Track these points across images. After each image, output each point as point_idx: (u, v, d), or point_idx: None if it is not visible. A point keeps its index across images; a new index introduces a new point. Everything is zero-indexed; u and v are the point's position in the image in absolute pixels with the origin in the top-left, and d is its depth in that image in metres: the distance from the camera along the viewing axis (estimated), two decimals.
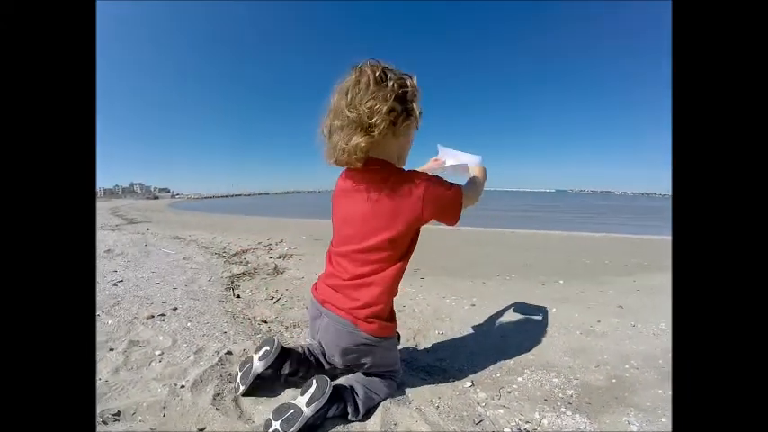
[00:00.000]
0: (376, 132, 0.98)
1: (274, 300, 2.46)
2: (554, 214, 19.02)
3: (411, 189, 1.03)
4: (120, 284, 2.62)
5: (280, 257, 4.02)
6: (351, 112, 0.98)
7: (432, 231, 8.10)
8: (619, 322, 2.31)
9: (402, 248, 1.11)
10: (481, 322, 2.26)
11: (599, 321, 2.31)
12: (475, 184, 1.24)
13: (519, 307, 2.53)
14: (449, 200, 1.09)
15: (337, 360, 1.22)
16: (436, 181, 1.08)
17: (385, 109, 0.96)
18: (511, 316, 2.39)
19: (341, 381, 1.24)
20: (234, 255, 4.09)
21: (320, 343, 1.24)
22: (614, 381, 1.63)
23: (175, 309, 2.16)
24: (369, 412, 1.19)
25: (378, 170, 1.08)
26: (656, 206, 41.47)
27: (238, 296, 2.48)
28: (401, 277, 1.16)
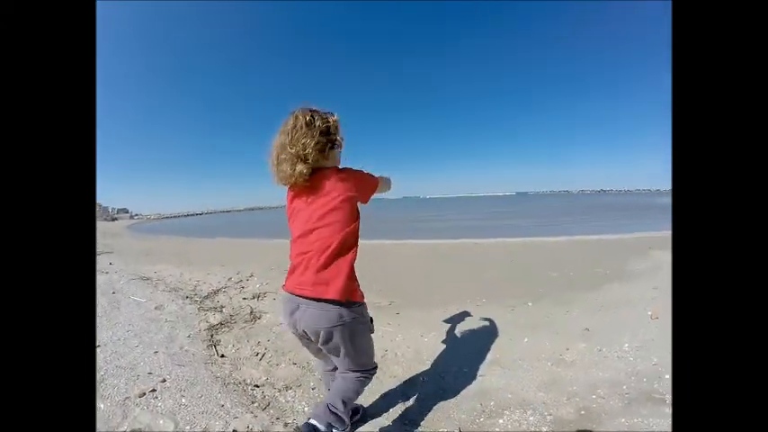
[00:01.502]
0: (311, 160, 1.32)
1: (259, 356, 2.50)
2: (516, 220, 19.42)
3: (346, 174, 1.40)
4: (98, 350, 2.54)
5: (253, 297, 4.03)
6: (291, 148, 1.32)
7: (400, 248, 8.23)
8: (585, 348, 2.52)
9: (347, 216, 1.36)
10: (461, 362, 2.40)
11: (567, 349, 2.51)
12: (386, 179, 1.66)
13: (493, 340, 2.69)
14: (369, 182, 1.51)
15: (322, 346, 1.40)
16: (363, 171, 1.49)
17: (313, 143, 1.31)
18: (486, 352, 2.53)
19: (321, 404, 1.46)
20: (206, 297, 4.05)
21: (304, 332, 1.39)
22: (583, 413, 1.81)
23: (164, 381, 2.14)
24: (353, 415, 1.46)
25: (319, 174, 1.38)
26: (610, 202, 43.65)
27: (222, 355, 2.50)
28: (357, 238, 1.41)
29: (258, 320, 3.28)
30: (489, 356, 2.46)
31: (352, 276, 1.35)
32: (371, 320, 1.47)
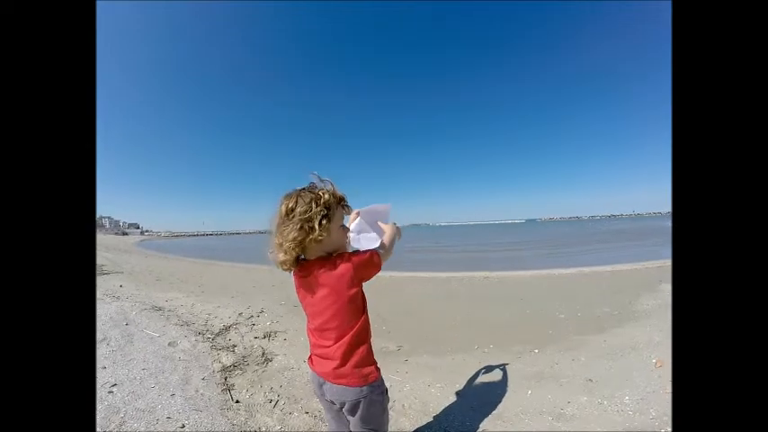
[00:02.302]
0: (290, 253, 1.32)
1: (273, 403, 2.60)
2: (527, 250, 19.41)
3: (342, 267, 1.35)
4: (114, 389, 2.66)
5: (264, 337, 4.13)
6: (276, 237, 1.35)
7: (410, 282, 8.28)
8: (587, 401, 2.58)
9: (354, 313, 1.39)
10: (465, 415, 2.47)
11: (569, 402, 2.57)
12: (388, 242, 1.55)
13: (498, 392, 2.76)
14: (369, 265, 1.40)
15: (346, 413, 1.46)
16: (360, 256, 1.40)
17: (292, 236, 1.30)
18: (491, 404, 2.60)
19: None
20: (218, 334, 4.16)
21: (332, 401, 1.46)
22: None
23: (183, 426, 2.24)
24: None
25: (315, 264, 1.38)
26: (619, 228, 43.35)
27: (237, 401, 2.59)
28: (368, 329, 1.44)
29: (270, 363, 3.37)
30: (493, 410, 2.53)
31: (368, 362, 1.43)
32: (386, 391, 1.54)
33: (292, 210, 1.33)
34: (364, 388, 1.40)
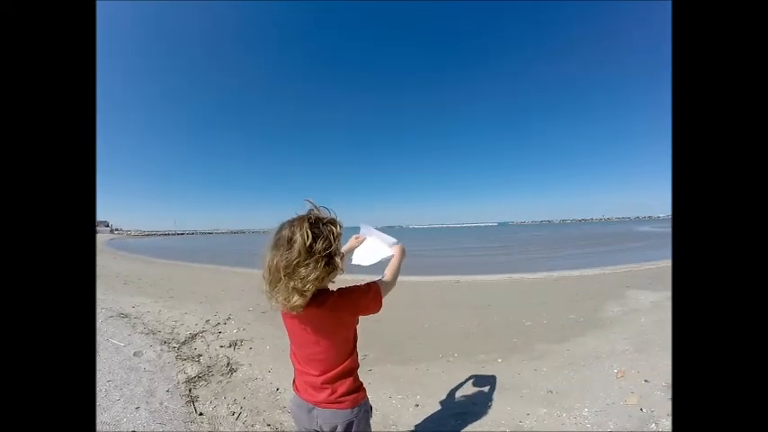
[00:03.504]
0: (309, 294, 1.17)
1: (235, 415, 2.63)
2: (499, 254, 19.66)
3: (338, 305, 1.30)
4: None
5: (230, 346, 4.15)
6: (287, 279, 1.17)
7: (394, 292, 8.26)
8: (546, 413, 2.67)
9: (346, 349, 1.38)
10: (424, 428, 2.56)
11: (528, 414, 2.67)
12: (393, 272, 1.54)
13: (458, 404, 2.87)
14: (371, 301, 1.36)
15: None
16: (360, 292, 1.36)
17: (314, 276, 1.16)
18: (450, 417, 2.69)
19: None
20: (183, 343, 4.15)
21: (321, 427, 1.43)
22: None
23: None
24: None
25: (315, 299, 1.28)
26: (589, 232, 44.41)
27: (201, 414, 2.62)
28: (357, 361, 1.42)
29: (234, 373, 3.40)
30: (452, 423, 2.61)
31: (357, 387, 1.42)
32: (371, 408, 1.56)
33: (311, 247, 1.17)
34: (355, 409, 1.40)
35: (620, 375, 3.15)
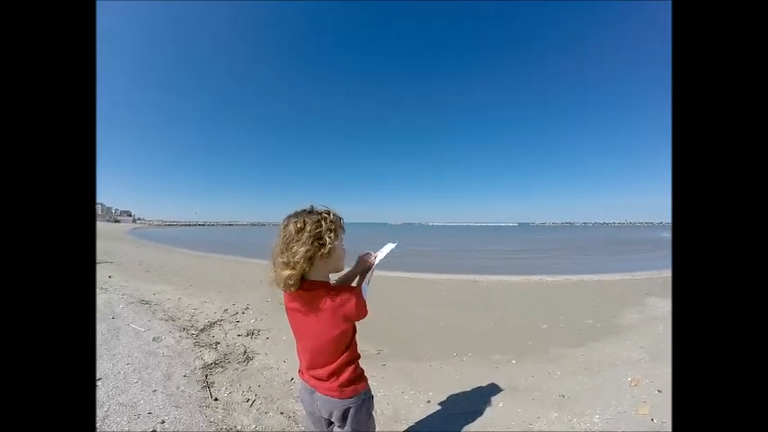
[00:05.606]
0: (298, 268, 1.36)
1: (250, 402, 2.68)
2: (516, 256, 19.42)
3: (334, 303, 1.41)
4: (99, 383, 2.74)
5: (248, 335, 4.22)
6: (281, 255, 1.38)
7: (397, 283, 8.33)
8: (556, 417, 2.64)
9: (345, 343, 1.48)
10: (433, 426, 2.56)
11: (538, 417, 2.64)
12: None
13: (469, 403, 2.85)
14: (363, 307, 1.47)
15: (335, 420, 1.54)
16: (353, 298, 1.44)
17: (303, 251, 1.35)
18: (460, 416, 2.68)
19: None
20: (202, 330, 4.24)
21: (321, 411, 1.55)
22: None
23: (163, 422, 2.33)
24: None
25: (309, 291, 1.44)
26: (611, 236, 43.70)
27: (216, 399, 2.68)
28: (356, 351, 1.53)
29: (251, 362, 3.46)
30: (462, 421, 2.60)
31: (357, 377, 1.52)
32: (372, 398, 1.62)
33: (302, 229, 1.39)
34: (354, 398, 1.50)
35: (633, 384, 3.11)
